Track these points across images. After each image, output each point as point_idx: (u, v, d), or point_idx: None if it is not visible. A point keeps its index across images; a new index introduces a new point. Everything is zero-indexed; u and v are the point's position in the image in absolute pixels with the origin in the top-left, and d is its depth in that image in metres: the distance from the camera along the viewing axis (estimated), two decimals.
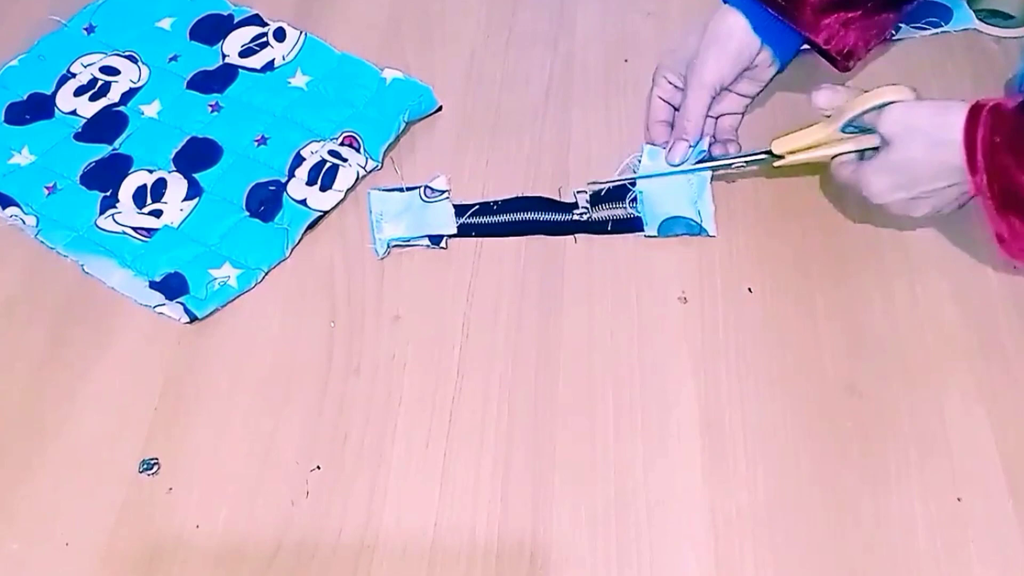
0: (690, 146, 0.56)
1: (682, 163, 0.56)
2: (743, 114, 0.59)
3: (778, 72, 0.57)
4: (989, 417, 0.50)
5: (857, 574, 0.45)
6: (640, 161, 0.57)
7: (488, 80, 0.68)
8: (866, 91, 0.50)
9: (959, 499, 0.47)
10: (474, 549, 0.46)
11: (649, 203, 0.57)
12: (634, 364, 0.53)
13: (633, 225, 0.57)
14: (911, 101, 0.49)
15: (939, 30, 0.68)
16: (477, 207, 0.59)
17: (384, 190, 0.60)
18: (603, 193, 0.58)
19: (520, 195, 0.60)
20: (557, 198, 0.59)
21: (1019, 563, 0.45)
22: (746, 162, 0.56)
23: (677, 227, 0.57)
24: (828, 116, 0.52)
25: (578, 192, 0.58)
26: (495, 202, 0.59)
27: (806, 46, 0.57)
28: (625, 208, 0.58)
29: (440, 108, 0.66)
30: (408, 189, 0.59)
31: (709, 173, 0.56)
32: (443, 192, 0.58)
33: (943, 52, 0.67)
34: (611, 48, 0.70)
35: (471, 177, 0.62)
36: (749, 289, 0.56)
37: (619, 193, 0.58)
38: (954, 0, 0.69)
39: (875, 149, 0.51)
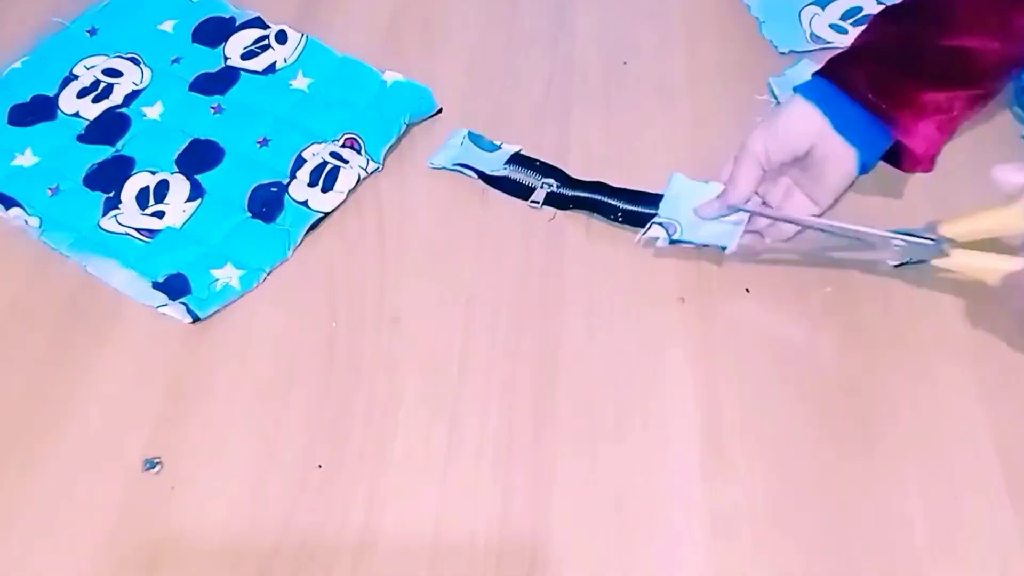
0: (725, 206, 0.53)
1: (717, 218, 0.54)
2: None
3: (858, 175, 0.52)
4: (988, 417, 0.50)
5: (857, 574, 0.45)
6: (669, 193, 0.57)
7: (488, 81, 0.68)
8: None
9: (958, 499, 0.47)
10: (474, 549, 0.46)
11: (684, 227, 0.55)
12: (633, 364, 0.53)
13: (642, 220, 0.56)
14: None
15: None
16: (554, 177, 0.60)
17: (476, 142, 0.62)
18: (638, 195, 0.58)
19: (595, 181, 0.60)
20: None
21: (1017, 563, 0.45)
22: (904, 241, 0.47)
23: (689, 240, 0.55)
24: (1011, 198, 0.44)
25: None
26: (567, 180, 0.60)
27: None
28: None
29: (440, 110, 0.66)
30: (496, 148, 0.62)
31: (746, 218, 0.54)
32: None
33: None
34: (611, 48, 0.70)
35: (470, 179, 0.62)
36: (747, 289, 0.56)
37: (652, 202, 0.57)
38: None
39: None
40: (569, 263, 0.57)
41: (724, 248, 0.54)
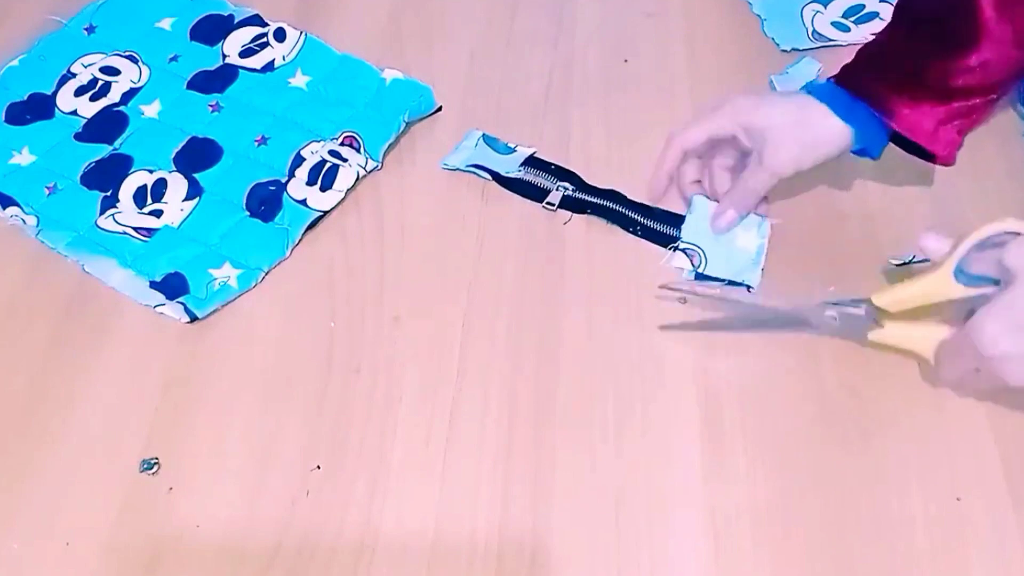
0: (740, 217, 0.55)
1: (728, 230, 0.56)
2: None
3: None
4: (989, 417, 0.50)
5: (857, 574, 0.45)
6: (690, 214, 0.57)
7: (488, 80, 0.68)
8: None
9: (959, 499, 0.47)
10: (474, 549, 0.46)
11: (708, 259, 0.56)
12: (634, 364, 0.53)
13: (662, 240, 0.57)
14: None
15: None
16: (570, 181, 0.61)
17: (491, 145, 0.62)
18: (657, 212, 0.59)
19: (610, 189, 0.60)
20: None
21: (1018, 563, 0.45)
22: (838, 313, 0.48)
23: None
24: (936, 265, 0.45)
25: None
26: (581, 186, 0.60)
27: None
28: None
29: (440, 108, 0.66)
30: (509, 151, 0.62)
31: (766, 239, 0.55)
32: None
33: None
34: (611, 48, 0.70)
35: (471, 178, 0.62)
36: (749, 289, 0.56)
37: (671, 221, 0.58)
38: None
39: None
40: (569, 262, 0.57)
41: (750, 288, 0.55)
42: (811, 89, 0.53)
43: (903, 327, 0.47)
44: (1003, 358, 0.41)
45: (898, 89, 0.51)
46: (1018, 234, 0.43)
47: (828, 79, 0.54)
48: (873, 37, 0.55)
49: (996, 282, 0.43)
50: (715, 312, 0.52)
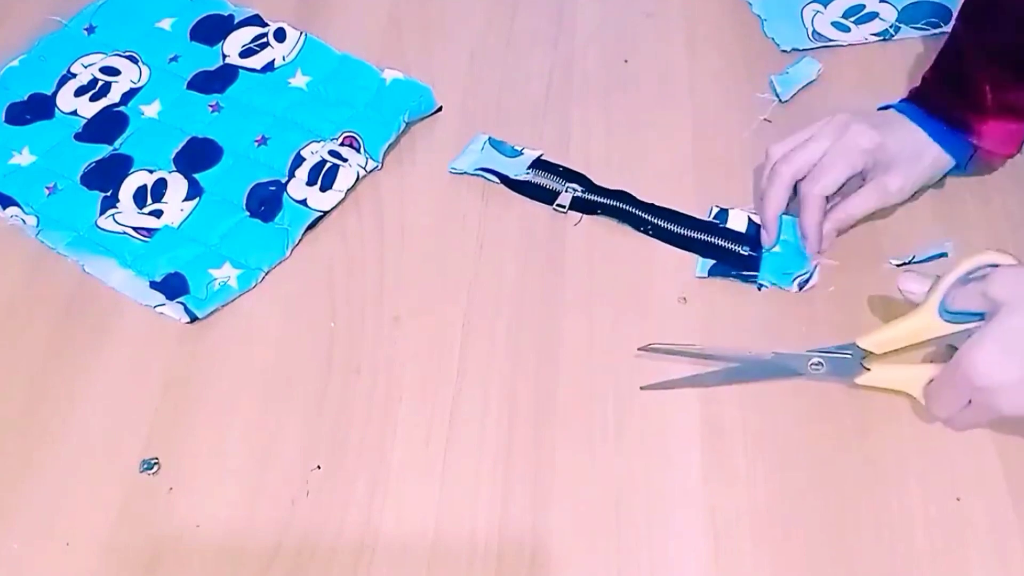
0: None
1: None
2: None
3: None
4: None
5: (857, 574, 0.45)
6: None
7: (488, 80, 0.68)
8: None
9: (958, 499, 0.47)
10: (474, 549, 0.46)
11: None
12: (634, 364, 0.53)
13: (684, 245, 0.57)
14: (1021, 266, 0.44)
15: (939, 30, 0.68)
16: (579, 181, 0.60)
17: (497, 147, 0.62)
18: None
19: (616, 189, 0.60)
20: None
21: (1018, 563, 0.45)
22: (822, 360, 0.49)
23: (726, 272, 0.56)
24: (920, 304, 0.46)
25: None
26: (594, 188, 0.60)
27: None
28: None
29: (440, 108, 0.66)
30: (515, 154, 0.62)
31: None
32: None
33: None
34: (611, 48, 0.70)
35: (471, 179, 0.62)
36: (759, 287, 0.56)
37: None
38: (954, 0, 0.69)
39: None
40: (569, 262, 0.57)
41: (760, 286, 0.54)
42: (911, 115, 0.55)
43: (890, 369, 0.48)
44: (995, 387, 0.42)
45: (983, 113, 0.54)
46: (998, 265, 0.44)
47: (910, 103, 0.56)
48: (937, 49, 0.58)
49: (980, 317, 0.44)
50: (700, 366, 0.51)
